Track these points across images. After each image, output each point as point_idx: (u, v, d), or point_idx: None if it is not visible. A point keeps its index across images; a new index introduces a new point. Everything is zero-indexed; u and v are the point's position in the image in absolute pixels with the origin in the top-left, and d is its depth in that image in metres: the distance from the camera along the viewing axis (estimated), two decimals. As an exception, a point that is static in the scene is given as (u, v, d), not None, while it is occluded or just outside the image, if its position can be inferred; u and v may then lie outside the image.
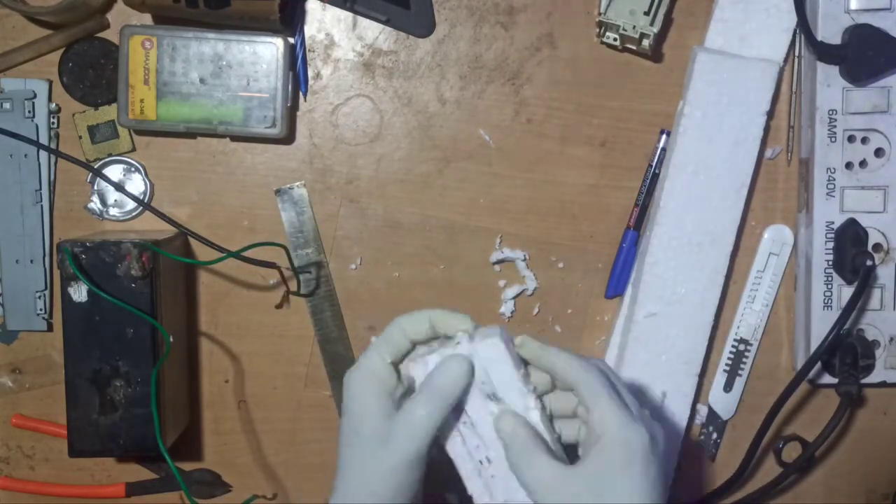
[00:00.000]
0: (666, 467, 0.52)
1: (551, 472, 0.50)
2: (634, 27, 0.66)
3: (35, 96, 0.70)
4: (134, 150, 0.71)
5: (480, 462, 0.52)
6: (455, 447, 0.53)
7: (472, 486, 0.53)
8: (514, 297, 0.72)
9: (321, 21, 0.71)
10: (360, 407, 0.53)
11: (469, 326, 0.53)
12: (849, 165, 0.69)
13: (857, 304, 0.66)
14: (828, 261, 0.69)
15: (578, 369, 0.51)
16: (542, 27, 0.71)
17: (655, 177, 0.71)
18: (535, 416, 0.52)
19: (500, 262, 0.72)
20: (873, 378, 0.70)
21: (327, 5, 0.71)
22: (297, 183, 0.72)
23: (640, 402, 0.53)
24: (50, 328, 0.72)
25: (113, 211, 0.71)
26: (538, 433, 0.51)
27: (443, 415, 0.51)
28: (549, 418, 0.53)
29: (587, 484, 0.49)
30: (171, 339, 0.63)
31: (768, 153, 0.72)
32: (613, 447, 0.49)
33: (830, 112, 0.68)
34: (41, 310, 0.71)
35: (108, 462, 0.73)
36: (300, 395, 0.73)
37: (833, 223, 0.69)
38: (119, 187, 0.70)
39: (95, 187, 0.71)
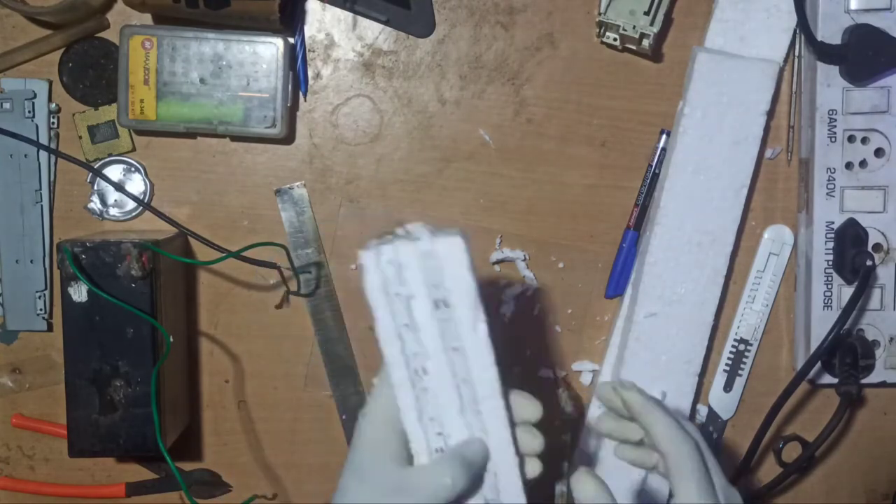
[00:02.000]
0: None
1: None
2: (634, 27, 0.66)
3: (35, 96, 0.70)
4: (134, 150, 0.71)
5: (416, 371, 0.49)
6: (392, 352, 0.49)
7: (402, 396, 0.49)
8: (514, 297, 0.72)
9: (321, 21, 0.71)
10: (373, 452, 0.50)
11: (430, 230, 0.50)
12: (849, 165, 0.69)
13: (857, 304, 0.66)
14: (828, 261, 0.69)
15: (674, 441, 0.49)
16: (542, 27, 0.71)
17: (655, 177, 0.71)
18: (482, 330, 0.49)
19: (500, 262, 0.72)
20: (873, 378, 0.70)
21: (327, 5, 0.71)
22: (297, 183, 0.72)
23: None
24: (50, 328, 0.72)
25: (113, 211, 0.71)
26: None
27: (465, 486, 0.49)
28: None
29: None
30: (171, 339, 0.63)
31: (768, 153, 0.72)
32: None
33: (830, 112, 0.68)
34: (41, 310, 0.71)
35: (108, 462, 0.73)
36: (300, 395, 0.73)
37: (833, 223, 0.69)
38: (119, 187, 0.70)
39: (95, 187, 0.71)
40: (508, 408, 0.50)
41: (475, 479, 0.50)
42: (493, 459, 0.50)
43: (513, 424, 0.50)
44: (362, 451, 0.50)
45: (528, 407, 0.51)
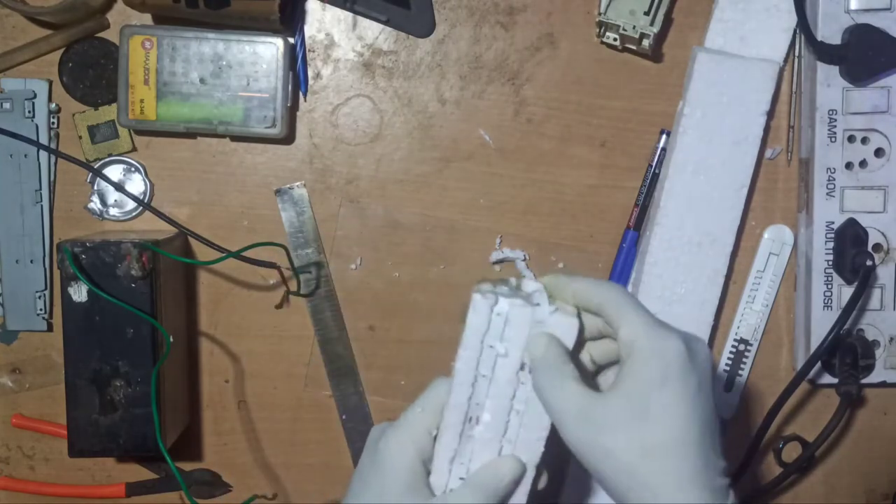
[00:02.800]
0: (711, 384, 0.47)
1: (581, 398, 0.45)
2: (634, 27, 0.66)
3: (35, 96, 0.70)
4: (134, 150, 0.71)
5: (470, 419, 0.49)
6: (460, 396, 0.49)
7: (447, 435, 0.49)
8: (514, 297, 0.72)
9: (321, 21, 0.71)
10: (401, 478, 0.48)
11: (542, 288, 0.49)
12: (849, 165, 0.69)
13: (857, 304, 0.66)
14: (828, 261, 0.69)
15: (601, 287, 0.48)
16: (542, 27, 0.71)
17: (655, 177, 0.71)
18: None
19: (500, 262, 0.72)
20: (873, 378, 0.70)
21: (327, 5, 0.71)
22: (297, 183, 0.72)
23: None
24: (50, 328, 0.72)
25: (113, 211, 0.71)
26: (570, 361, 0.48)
27: None
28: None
29: (621, 407, 0.45)
30: (171, 339, 0.63)
31: (768, 153, 0.72)
32: (646, 361, 0.45)
33: (830, 112, 0.68)
34: (41, 310, 0.71)
35: (108, 462, 0.73)
36: (300, 395, 0.73)
37: (833, 223, 0.69)
38: (119, 187, 0.70)
39: (95, 187, 0.71)
40: (535, 484, 0.50)
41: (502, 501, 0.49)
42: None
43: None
44: (388, 474, 0.49)
45: (554, 276, 0.50)
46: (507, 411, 0.50)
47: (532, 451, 0.50)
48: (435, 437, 0.50)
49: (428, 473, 0.50)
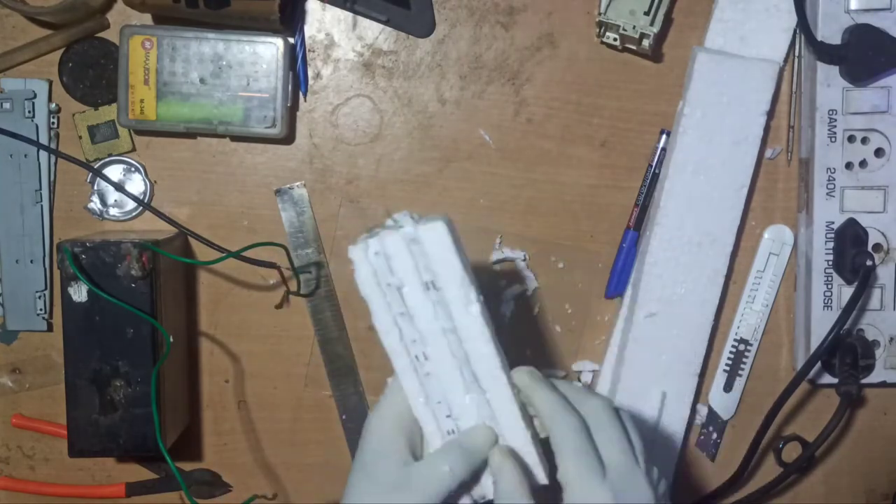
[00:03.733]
0: None
1: None
2: (634, 27, 0.66)
3: (35, 96, 0.70)
4: (134, 150, 0.71)
5: (416, 357, 0.50)
6: (391, 341, 0.50)
7: (407, 383, 0.51)
8: (514, 297, 0.72)
9: (321, 21, 0.71)
10: (378, 449, 0.51)
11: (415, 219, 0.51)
12: (849, 165, 0.69)
13: (857, 304, 0.66)
14: (828, 261, 0.69)
15: (554, 414, 0.49)
16: (542, 27, 0.71)
17: (655, 177, 0.71)
18: (475, 310, 0.50)
19: (500, 262, 0.72)
20: (873, 378, 0.70)
21: (327, 5, 0.71)
22: (297, 183, 0.72)
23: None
24: (50, 328, 0.72)
25: (113, 211, 0.71)
26: (526, 472, 0.50)
27: (465, 475, 0.49)
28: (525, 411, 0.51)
29: None
30: (172, 339, 0.63)
31: (768, 153, 0.72)
32: None
33: (830, 112, 0.68)
34: (41, 310, 0.71)
35: (108, 462, 0.73)
36: (300, 395, 0.73)
37: (833, 223, 0.69)
38: (119, 187, 0.70)
39: (95, 187, 0.71)
40: (512, 383, 0.51)
41: (477, 465, 0.50)
42: (503, 435, 0.51)
43: (518, 399, 0.51)
44: (370, 449, 0.51)
45: (527, 375, 0.51)
46: (441, 333, 0.50)
47: (487, 358, 0.50)
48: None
49: (410, 442, 0.51)
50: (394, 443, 0.51)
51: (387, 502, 0.49)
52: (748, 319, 0.72)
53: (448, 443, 0.51)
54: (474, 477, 0.51)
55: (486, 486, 0.51)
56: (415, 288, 0.50)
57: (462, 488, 0.50)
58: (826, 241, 0.69)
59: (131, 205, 0.71)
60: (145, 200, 0.71)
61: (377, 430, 0.51)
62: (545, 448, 0.51)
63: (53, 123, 0.70)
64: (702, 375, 0.71)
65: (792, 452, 0.73)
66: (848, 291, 0.68)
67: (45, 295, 0.71)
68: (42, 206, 0.71)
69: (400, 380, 0.51)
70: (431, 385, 0.51)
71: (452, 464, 0.49)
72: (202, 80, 0.68)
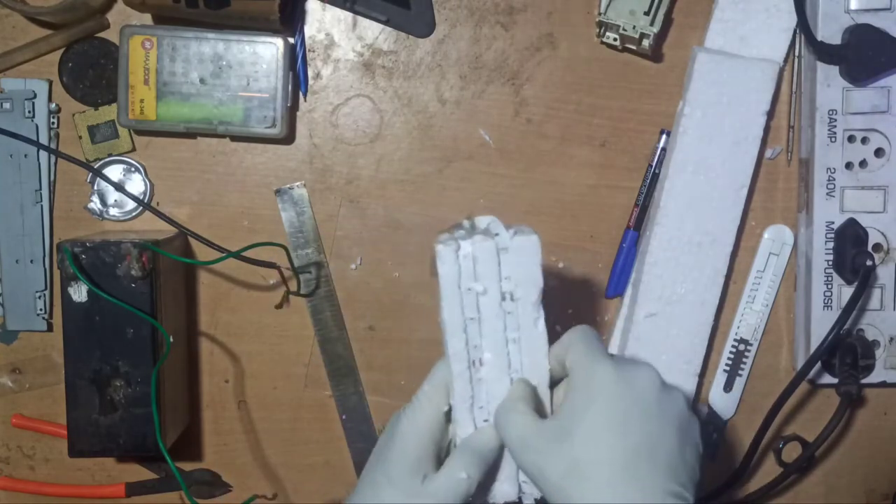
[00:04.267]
0: (671, 416, 0.47)
1: (524, 426, 0.48)
2: (634, 27, 0.66)
3: (35, 96, 0.70)
4: (134, 150, 0.71)
5: (473, 363, 0.51)
6: (457, 345, 0.51)
7: (458, 385, 0.51)
8: (514, 297, 0.72)
9: (321, 21, 0.71)
10: (406, 456, 0.50)
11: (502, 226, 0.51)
12: (849, 165, 0.69)
13: (857, 304, 0.66)
14: (828, 261, 0.69)
15: (568, 333, 0.51)
16: (542, 27, 0.71)
17: (655, 177, 0.71)
18: (542, 326, 0.51)
19: (500, 262, 0.72)
20: (873, 378, 0.70)
21: (327, 5, 0.71)
22: (297, 183, 0.72)
23: None
24: (50, 328, 0.72)
25: (113, 211, 0.71)
26: (533, 391, 0.50)
27: (481, 476, 0.50)
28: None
29: (551, 430, 0.47)
30: (171, 339, 0.63)
31: (768, 153, 0.72)
32: (576, 387, 0.48)
33: (830, 112, 0.68)
34: (41, 310, 0.71)
35: (108, 462, 0.73)
36: (300, 395, 0.73)
37: (833, 223, 0.69)
38: (119, 187, 0.70)
39: (95, 187, 0.71)
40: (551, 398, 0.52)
41: (490, 463, 0.51)
42: None
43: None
44: (398, 453, 0.51)
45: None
46: (504, 343, 0.51)
47: (539, 371, 0.51)
48: (446, 414, 0.52)
49: (438, 451, 0.51)
50: (423, 454, 0.50)
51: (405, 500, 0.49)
52: (748, 319, 0.72)
53: (460, 448, 0.51)
54: (490, 476, 0.51)
55: (500, 490, 0.52)
56: (493, 296, 0.51)
57: (481, 490, 0.51)
58: (826, 241, 0.69)
59: (131, 205, 0.71)
60: (145, 200, 0.71)
61: (409, 437, 0.51)
62: None
63: (53, 123, 0.70)
64: (702, 375, 0.71)
65: (792, 452, 0.73)
66: (848, 291, 0.68)
67: (45, 295, 0.71)
68: (42, 206, 0.71)
69: (454, 383, 0.51)
70: (480, 390, 0.51)
71: (468, 468, 0.49)
72: (202, 80, 0.68)
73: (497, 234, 0.51)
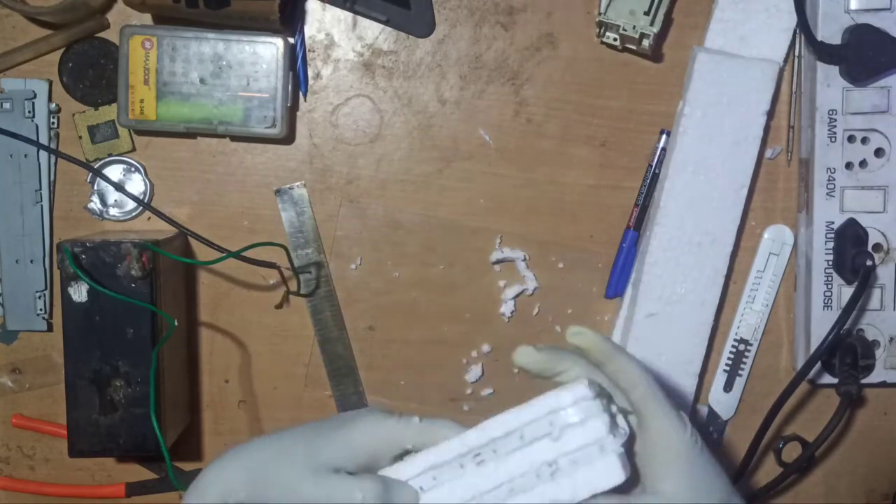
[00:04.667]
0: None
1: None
2: (634, 27, 0.66)
3: (35, 96, 0.70)
4: (134, 150, 0.71)
5: (477, 454, 0.49)
6: (493, 429, 0.49)
7: (445, 448, 0.50)
8: (514, 297, 0.72)
9: (321, 21, 0.71)
10: (350, 442, 0.51)
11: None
12: (849, 165, 0.69)
13: (857, 304, 0.66)
14: (828, 261, 0.69)
15: (639, 372, 0.51)
16: (542, 27, 0.71)
17: (655, 177, 0.71)
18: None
19: (500, 262, 0.72)
20: (873, 378, 0.70)
21: (327, 5, 0.71)
22: (297, 183, 0.72)
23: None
24: (50, 328, 0.72)
25: (113, 211, 0.71)
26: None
27: None
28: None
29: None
30: (176, 323, 0.63)
31: (768, 153, 0.72)
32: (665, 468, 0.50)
33: (830, 112, 0.68)
34: (41, 310, 0.71)
35: (108, 462, 0.73)
36: (300, 395, 0.73)
37: (833, 223, 0.69)
38: (119, 187, 0.70)
39: (95, 187, 0.71)
40: None
41: None
42: None
43: None
44: (340, 437, 0.51)
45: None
46: (510, 477, 0.49)
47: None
48: (407, 452, 0.50)
49: (361, 463, 0.50)
50: (357, 455, 0.50)
51: (294, 487, 0.49)
52: (748, 319, 0.72)
53: (377, 478, 0.50)
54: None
55: None
56: (550, 452, 0.49)
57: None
58: (826, 241, 0.69)
59: (131, 205, 0.71)
60: (145, 200, 0.71)
61: (366, 429, 0.51)
62: None
63: (53, 123, 0.70)
64: (702, 375, 0.71)
65: (792, 452, 0.73)
66: (848, 291, 0.68)
67: (45, 295, 0.71)
68: (42, 206, 0.71)
69: (444, 444, 0.50)
70: (450, 471, 0.49)
71: (367, 496, 0.49)
72: (202, 80, 0.68)
73: (612, 436, 0.48)
